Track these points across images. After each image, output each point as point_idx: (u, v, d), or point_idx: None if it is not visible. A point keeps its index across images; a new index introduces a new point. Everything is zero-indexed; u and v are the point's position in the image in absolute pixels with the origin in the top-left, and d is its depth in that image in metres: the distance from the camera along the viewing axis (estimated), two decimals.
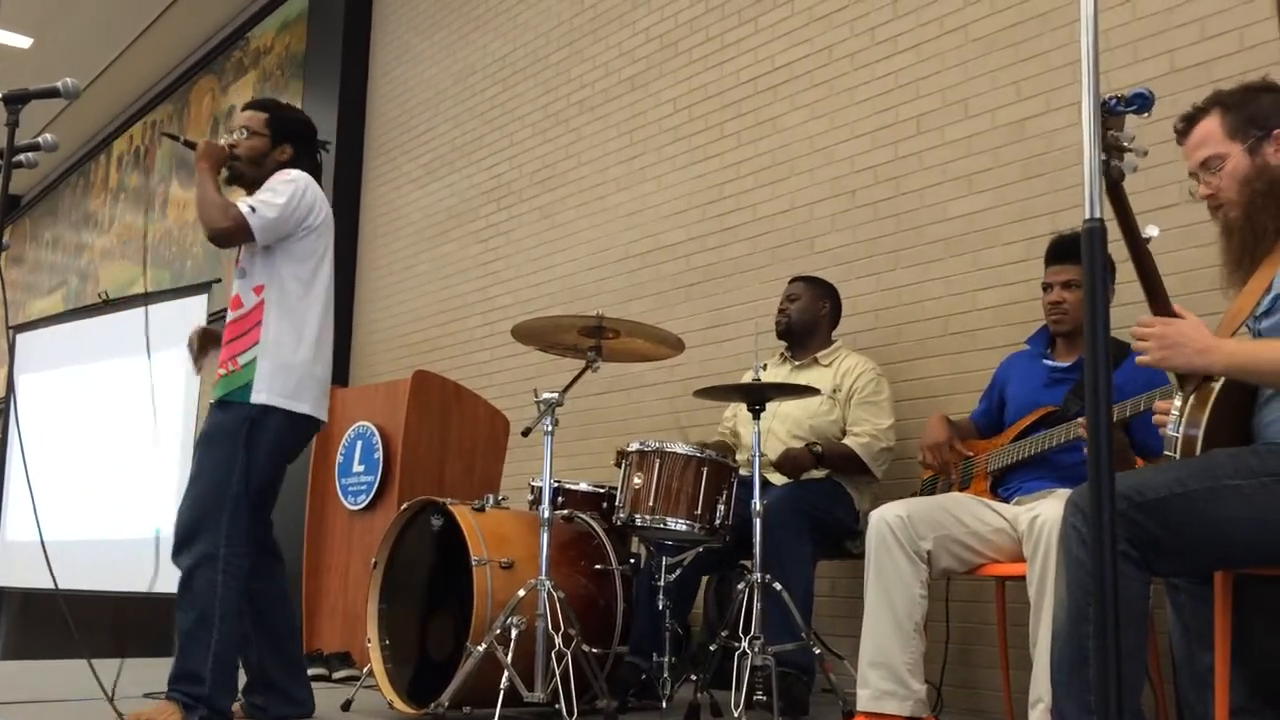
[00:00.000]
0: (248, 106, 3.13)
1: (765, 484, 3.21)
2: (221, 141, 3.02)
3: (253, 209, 2.84)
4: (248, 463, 2.78)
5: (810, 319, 3.69)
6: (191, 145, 2.98)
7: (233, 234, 2.83)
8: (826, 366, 3.62)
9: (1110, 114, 1.67)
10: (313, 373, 2.93)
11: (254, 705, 2.94)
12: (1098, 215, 1.31)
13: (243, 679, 2.91)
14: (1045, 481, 2.79)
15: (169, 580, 2.79)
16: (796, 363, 3.69)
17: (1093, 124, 1.40)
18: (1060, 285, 2.93)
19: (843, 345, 3.71)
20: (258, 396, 2.82)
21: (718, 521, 3.11)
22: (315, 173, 3.07)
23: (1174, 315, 1.96)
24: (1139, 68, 3.31)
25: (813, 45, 4.29)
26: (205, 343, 3.16)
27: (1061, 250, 2.96)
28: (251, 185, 3.02)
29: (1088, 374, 1.25)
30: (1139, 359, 1.96)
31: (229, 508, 2.74)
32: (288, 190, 2.89)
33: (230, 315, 2.94)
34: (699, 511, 3.08)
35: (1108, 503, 1.23)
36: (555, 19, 5.59)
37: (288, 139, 3.05)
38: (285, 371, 2.87)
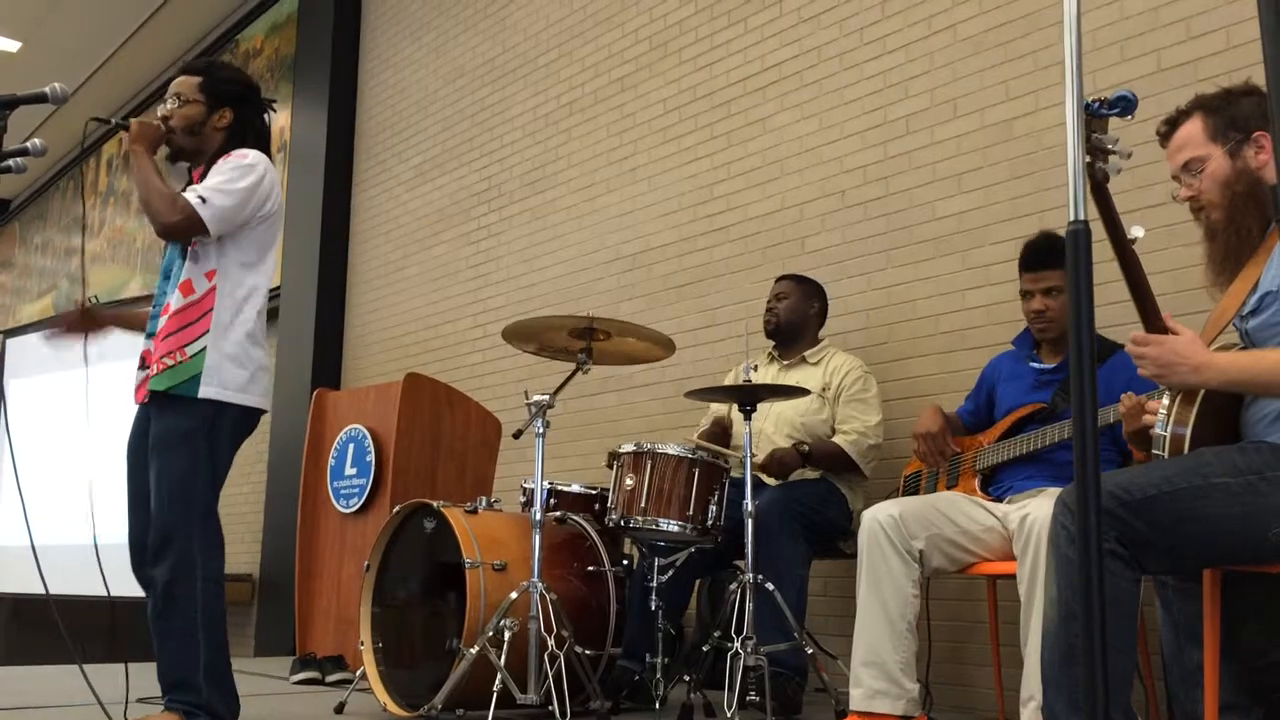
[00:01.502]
0: (181, 71, 2.83)
1: (757, 484, 3.22)
2: (157, 115, 2.77)
3: (203, 199, 2.61)
4: (213, 466, 2.67)
5: (799, 318, 3.69)
6: (125, 127, 2.72)
7: (183, 228, 2.62)
8: (815, 365, 3.63)
9: (1094, 117, 1.67)
10: (261, 363, 2.78)
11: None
12: (1082, 217, 1.32)
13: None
14: (1038, 480, 2.79)
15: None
16: (785, 362, 3.70)
17: (1077, 125, 1.41)
18: (1041, 293, 2.87)
19: (829, 344, 3.72)
20: (207, 390, 2.64)
21: (710, 522, 3.11)
22: (263, 135, 2.83)
23: (1165, 328, 1.97)
24: (1126, 67, 3.32)
25: (802, 46, 4.30)
26: (86, 323, 2.94)
27: (1038, 255, 2.89)
28: (193, 157, 2.80)
29: (1073, 377, 1.26)
30: (1140, 371, 1.98)
31: (200, 511, 2.63)
32: (244, 178, 2.67)
33: (178, 301, 2.70)
34: (691, 512, 3.09)
35: (1094, 502, 1.24)
36: (544, 21, 5.59)
37: (226, 102, 2.78)
38: (235, 362, 2.70)
